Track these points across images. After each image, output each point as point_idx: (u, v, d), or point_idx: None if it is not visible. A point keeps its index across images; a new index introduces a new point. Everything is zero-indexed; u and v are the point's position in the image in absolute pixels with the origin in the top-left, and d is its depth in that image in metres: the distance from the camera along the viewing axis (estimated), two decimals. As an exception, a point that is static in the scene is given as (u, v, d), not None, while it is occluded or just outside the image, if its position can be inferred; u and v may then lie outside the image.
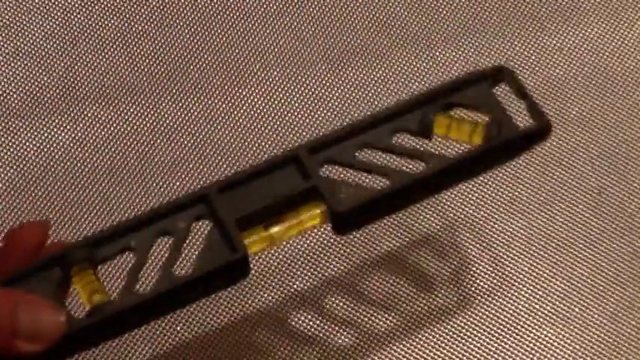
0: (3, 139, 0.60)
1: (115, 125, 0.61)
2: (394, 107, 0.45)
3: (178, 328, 0.56)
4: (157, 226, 0.43)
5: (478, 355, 0.56)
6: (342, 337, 0.57)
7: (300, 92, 0.62)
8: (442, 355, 0.56)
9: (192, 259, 0.42)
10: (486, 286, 0.58)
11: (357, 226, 0.45)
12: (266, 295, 0.57)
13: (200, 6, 0.63)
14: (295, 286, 0.57)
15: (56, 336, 0.38)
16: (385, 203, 0.44)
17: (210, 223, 0.43)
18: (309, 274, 0.58)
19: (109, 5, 0.63)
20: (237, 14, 0.63)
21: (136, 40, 0.63)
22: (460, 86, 0.46)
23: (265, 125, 0.61)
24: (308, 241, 0.58)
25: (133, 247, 0.42)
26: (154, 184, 0.59)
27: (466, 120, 0.45)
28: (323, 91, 0.62)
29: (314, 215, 0.44)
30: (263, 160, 0.44)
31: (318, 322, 0.57)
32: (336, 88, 0.62)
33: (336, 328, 0.57)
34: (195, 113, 0.61)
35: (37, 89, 0.61)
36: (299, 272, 0.58)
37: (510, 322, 0.57)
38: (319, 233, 0.58)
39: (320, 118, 0.61)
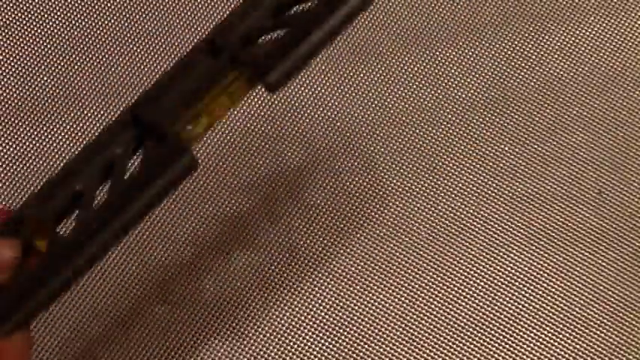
0: (3, 139, 0.60)
1: (115, 125, 0.61)
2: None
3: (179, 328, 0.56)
4: (97, 160, 0.42)
5: (478, 355, 0.56)
6: (342, 341, 0.57)
7: (300, 92, 0.62)
8: (442, 355, 0.56)
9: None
10: (486, 286, 0.58)
11: (286, 78, 0.43)
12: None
13: (200, 6, 0.63)
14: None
15: (11, 265, 0.40)
16: (300, 43, 0.42)
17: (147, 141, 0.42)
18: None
19: (109, 5, 0.63)
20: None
21: (136, 40, 0.63)
22: None
23: (265, 125, 0.61)
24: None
25: (80, 189, 0.42)
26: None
27: None
28: (323, 91, 0.62)
29: (241, 83, 0.43)
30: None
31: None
32: (336, 88, 0.62)
33: (333, 332, 0.57)
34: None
35: (37, 89, 0.61)
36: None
37: (510, 322, 0.57)
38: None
39: (320, 118, 0.61)
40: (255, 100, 0.62)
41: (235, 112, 0.61)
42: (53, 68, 0.62)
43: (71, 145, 0.60)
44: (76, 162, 0.42)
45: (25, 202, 0.41)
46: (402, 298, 0.58)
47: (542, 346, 0.57)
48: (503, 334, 0.57)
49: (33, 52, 0.62)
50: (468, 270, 0.58)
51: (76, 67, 0.62)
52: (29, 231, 0.41)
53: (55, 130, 0.61)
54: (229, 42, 0.43)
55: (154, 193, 0.41)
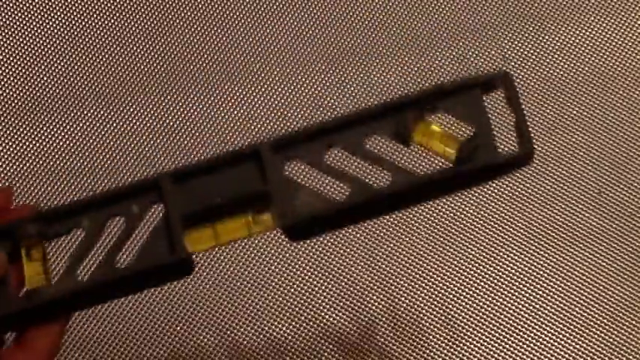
0: (3, 139, 0.60)
1: (115, 125, 0.61)
2: (373, 108, 0.42)
3: (178, 328, 0.56)
4: (111, 209, 0.42)
5: (478, 355, 0.56)
6: (342, 341, 0.57)
7: (300, 92, 0.62)
8: (442, 355, 0.56)
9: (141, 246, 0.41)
10: (486, 286, 0.58)
11: (308, 235, 0.43)
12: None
13: (200, 6, 0.63)
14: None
15: None
16: (338, 217, 0.41)
17: (162, 209, 0.41)
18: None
19: (109, 5, 0.63)
20: (237, 14, 0.63)
21: (136, 40, 0.63)
22: (448, 92, 0.42)
23: (265, 125, 0.61)
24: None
25: (84, 226, 0.42)
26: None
27: (444, 132, 0.42)
28: (323, 91, 0.62)
29: (264, 220, 0.41)
30: (224, 151, 0.42)
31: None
32: (336, 88, 0.62)
33: (334, 332, 0.57)
34: (195, 113, 0.61)
35: (37, 89, 0.61)
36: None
37: (510, 322, 0.57)
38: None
39: (320, 118, 0.61)
40: (255, 100, 0.62)
41: (234, 112, 0.61)
42: (53, 68, 0.62)
43: (71, 145, 0.60)
44: (92, 200, 0.42)
45: (26, 217, 0.42)
46: (402, 298, 0.57)
47: (542, 346, 0.57)
48: (503, 334, 0.57)
49: (33, 52, 0.62)
50: (468, 270, 0.58)
51: (76, 67, 0.62)
52: (18, 241, 0.41)
53: (55, 130, 0.61)
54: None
55: (140, 285, 0.42)
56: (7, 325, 0.41)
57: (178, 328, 0.57)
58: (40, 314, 0.41)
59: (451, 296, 0.58)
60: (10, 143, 0.60)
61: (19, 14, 0.63)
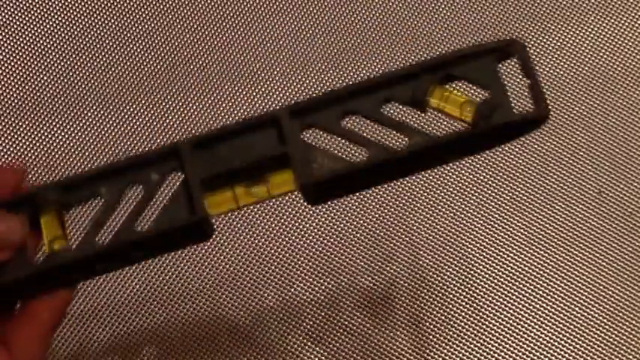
0: (3, 139, 0.60)
1: (115, 125, 0.61)
2: (389, 74, 0.42)
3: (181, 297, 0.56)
4: (130, 176, 0.42)
5: (478, 355, 0.56)
6: (335, 338, 0.57)
7: (300, 92, 0.62)
8: (442, 355, 0.56)
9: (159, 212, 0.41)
10: (486, 286, 0.58)
11: (327, 197, 0.43)
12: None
13: (200, 6, 0.63)
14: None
15: (16, 241, 0.41)
16: (358, 178, 0.42)
17: (181, 176, 0.42)
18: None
19: (109, 5, 0.63)
20: (237, 14, 0.63)
21: (136, 40, 0.63)
22: (464, 58, 0.43)
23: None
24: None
25: (103, 194, 0.42)
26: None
27: (461, 95, 0.43)
28: (323, 91, 0.62)
29: (284, 182, 0.42)
30: (242, 119, 0.42)
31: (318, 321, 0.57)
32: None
33: (332, 331, 0.57)
34: (195, 113, 0.61)
35: (37, 89, 0.61)
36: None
37: (510, 322, 0.57)
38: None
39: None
40: (255, 100, 0.62)
41: (234, 112, 0.61)
42: (53, 68, 0.62)
43: (71, 144, 0.60)
44: (111, 168, 0.42)
45: (45, 184, 0.42)
46: (402, 298, 0.57)
47: (542, 346, 0.57)
48: (503, 334, 0.57)
49: (33, 52, 0.62)
50: (468, 270, 0.58)
51: (76, 67, 0.62)
52: (38, 208, 0.41)
53: (55, 130, 0.61)
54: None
55: (159, 248, 0.42)
56: (25, 289, 0.41)
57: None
58: (58, 277, 0.41)
59: (451, 296, 0.58)
60: (10, 143, 0.60)
61: (19, 14, 0.63)
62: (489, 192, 0.60)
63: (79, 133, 0.60)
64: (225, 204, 0.42)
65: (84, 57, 0.62)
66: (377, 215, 0.59)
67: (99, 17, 0.63)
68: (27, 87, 0.61)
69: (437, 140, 0.42)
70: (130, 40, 0.63)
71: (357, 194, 0.59)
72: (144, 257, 0.43)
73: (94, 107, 0.61)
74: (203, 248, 0.58)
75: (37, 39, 0.62)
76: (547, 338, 0.57)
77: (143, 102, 0.61)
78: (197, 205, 0.41)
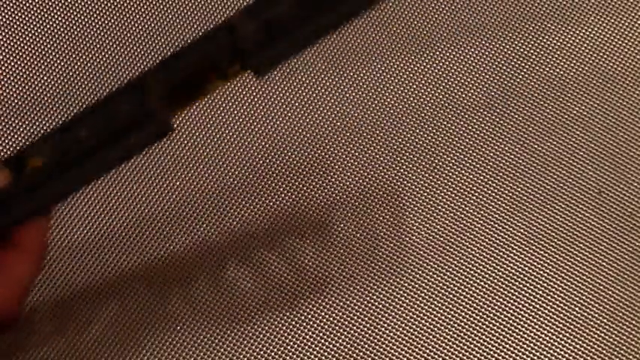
0: (3, 139, 0.60)
1: (115, 125, 0.61)
2: None
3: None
4: (104, 113, 0.44)
5: (478, 355, 0.56)
6: (335, 339, 0.57)
7: (300, 92, 0.62)
8: (442, 355, 0.56)
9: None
10: (486, 286, 0.58)
11: (271, 57, 0.44)
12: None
13: (200, 6, 0.63)
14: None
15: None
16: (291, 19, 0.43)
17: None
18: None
19: (109, 5, 0.63)
20: (237, 14, 0.63)
21: (136, 40, 0.63)
22: None
23: (265, 125, 0.61)
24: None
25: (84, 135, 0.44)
26: (154, 184, 0.59)
27: None
28: (323, 91, 0.62)
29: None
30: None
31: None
32: (336, 88, 0.62)
33: (331, 332, 0.57)
34: (195, 113, 0.61)
35: (37, 89, 0.61)
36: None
37: (510, 322, 0.57)
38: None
39: (320, 118, 0.61)
40: (255, 100, 0.62)
41: (234, 112, 0.61)
42: (53, 68, 0.62)
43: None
44: (84, 112, 0.44)
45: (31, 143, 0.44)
46: (402, 298, 0.57)
47: (542, 346, 0.57)
48: (504, 334, 0.57)
49: (33, 52, 0.62)
50: (467, 270, 0.58)
51: (76, 67, 0.62)
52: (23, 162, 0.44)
53: (55, 130, 0.61)
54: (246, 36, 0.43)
55: (119, 153, 0.44)
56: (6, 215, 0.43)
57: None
58: (31, 197, 0.43)
59: (451, 296, 0.58)
60: (10, 143, 0.60)
61: (19, 14, 0.63)
62: (489, 192, 0.60)
63: (79, 133, 0.60)
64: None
65: (84, 57, 0.62)
66: (377, 215, 0.59)
67: (99, 17, 0.63)
68: (27, 87, 0.61)
69: None
70: (130, 40, 0.63)
71: (358, 196, 0.59)
72: (104, 164, 0.44)
73: (94, 107, 0.61)
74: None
75: (37, 39, 0.62)
76: (547, 338, 0.57)
77: (143, 102, 0.61)
78: (146, 100, 0.43)
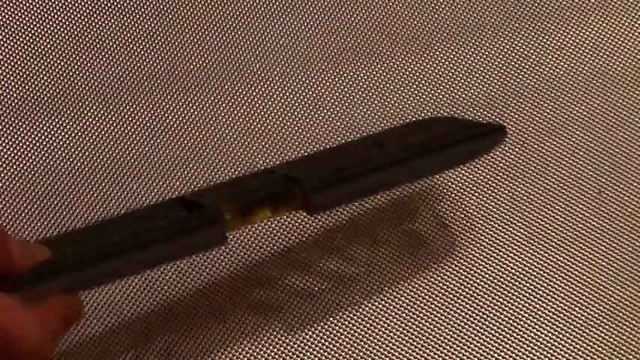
0: (3, 139, 0.60)
1: (115, 125, 0.61)
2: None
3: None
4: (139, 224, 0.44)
5: (478, 355, 0.56)
6: (333, 340, 0.57)
7: (300, 92, 0.62)
8: (442, 355, 0.56)
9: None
10: (486, 286, 0.58)
11: (329, 202, 0.47)
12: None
13: (200, 6, 0.63)
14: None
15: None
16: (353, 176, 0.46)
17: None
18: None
19: (109, 5, 0.63)
20: (238, 14, 0.63)
21: (136, 40, 0.63)
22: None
23: (265, 125, 0.61)
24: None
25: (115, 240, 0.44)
26: (154, 184, 0.59)
27: None
28: (323, 91, 0.62)
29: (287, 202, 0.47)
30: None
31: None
32: (336, 88, 0.62)
33: (331, 334, 0.57)
34: (195, 113, 0.61)
35: (37, 89, 0.61)
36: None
37: (510, 322, 0.57)
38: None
39: (320, 118, 0.61)
40: (255, 100, 0.62)
41: (234, 112, 0.61)
42: (53, 68, 0.62)
43: (71, 145, 0.60)
44: (115, 220, 0.44)
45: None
46: (402, 298, 0.57)
47: (542, 346, 0.57)
48: (503, 334, 0.57)
49: (33, 52, 0.62)
50: (467, 270, 0.58)
51: (76, 67, 0.62)
52: None
53: (55, 130, 0.61)
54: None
55: (170, 252, 0.44)
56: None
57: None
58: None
59: (451, 296, 0.58)
60: (10, 143, 0.60)
61: (19, 14, 0.63)
62: (489, 192, 0.60)
63: (79, 133, 0.60)
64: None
65: (84, 57, 0.62)
66: (376, 215, 0.59)
67: (99, 17, 0.63)
68: (27, 87, 0.61)
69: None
70: (130, 40, 0.63)
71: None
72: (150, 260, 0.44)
73: (94, 107, 0.61)
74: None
75: (37, 39, 0.62)
76: (547, 338, 0.57)
77: (143, 102, 0.61)
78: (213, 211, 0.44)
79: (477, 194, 0.60)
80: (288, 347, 0.56)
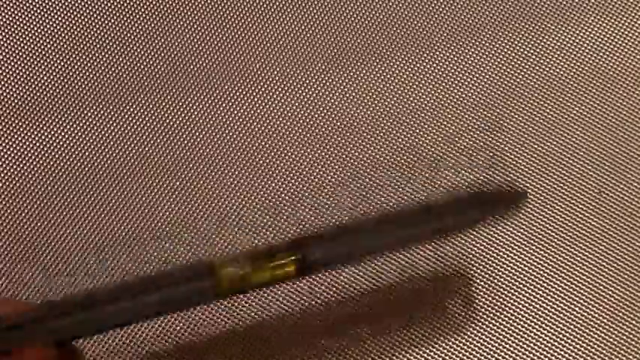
0: (3, 139, 0.60)
1: (115, 125, 0.61)
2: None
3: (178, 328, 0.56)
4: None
5: (478, 355, 0.56)
6: (332, 342, 0.57)
7: (300, 92, 0.62)
8: (442, 355, 0.56)
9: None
10: (486, 286, 0.58)
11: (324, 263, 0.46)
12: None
13: (200, 5, 0.63)
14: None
15: None
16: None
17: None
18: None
19: (109, 5, 0.63)
20: (237, 14, 0.64)
21: (136, 40, 0.63)
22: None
23: (265, 125, 0.61)
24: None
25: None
26: (154, 184, 0.59)
27: None
28: (323, 91, 0.62)
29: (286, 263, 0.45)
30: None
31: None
32: (336, 88, 0.62)
33: (330, 337, 0.57)
34: (196, 113, 0.61)
35: (37, 89, 0.61)
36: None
37: (510, 322, 0.57)
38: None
39: (320, 118, 0.61)
40: (255, 100, 0.62)
41: (234, 112, 0.61)
42: (53, 68, 0.62)
43: (71, 145, 0.60)
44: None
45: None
46: (402, 298, 0.57)
47: (542, 346, 0.57)
48: (503, 334, 0.57)
49: (33, 52, 0.62)
50: (467, 270, 0.58)
51: (76, 67, 0.62)
52: None
53: (55, 130, 0.61)
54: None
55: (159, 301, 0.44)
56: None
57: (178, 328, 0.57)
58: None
59: (451, 296, 0.58)
60: (10, 143, 0.60)
61: (19, 14, 0.63)
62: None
63: (79, 133, 0.60)
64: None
65: (84, 57, 0.62)
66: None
67: (99, 17, 0.63)
68: (27, 87, 0.61)
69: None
70: (130, 40, 0.63)
71: (358, 196, 0.59)
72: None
73: (94, 107, 0.61)
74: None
75: (37, 39, 0.62)
76: (547, 338, 0.57)
77: (143, 102, 0.61)
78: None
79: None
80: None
